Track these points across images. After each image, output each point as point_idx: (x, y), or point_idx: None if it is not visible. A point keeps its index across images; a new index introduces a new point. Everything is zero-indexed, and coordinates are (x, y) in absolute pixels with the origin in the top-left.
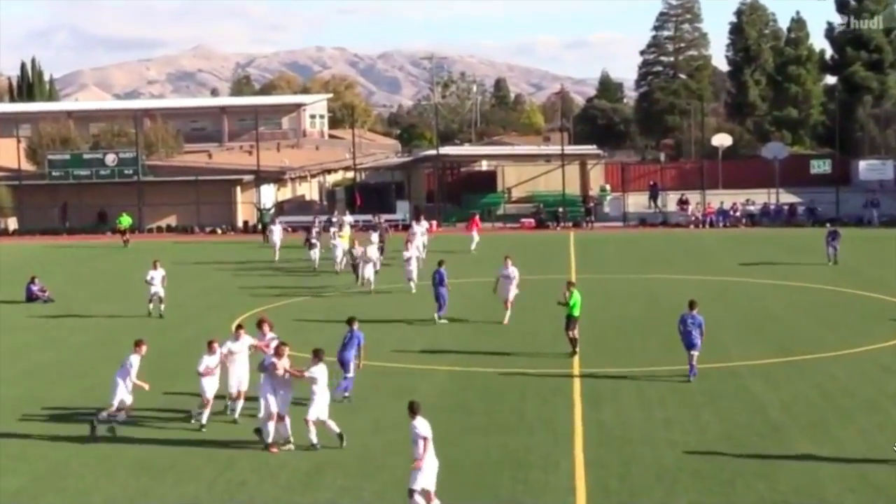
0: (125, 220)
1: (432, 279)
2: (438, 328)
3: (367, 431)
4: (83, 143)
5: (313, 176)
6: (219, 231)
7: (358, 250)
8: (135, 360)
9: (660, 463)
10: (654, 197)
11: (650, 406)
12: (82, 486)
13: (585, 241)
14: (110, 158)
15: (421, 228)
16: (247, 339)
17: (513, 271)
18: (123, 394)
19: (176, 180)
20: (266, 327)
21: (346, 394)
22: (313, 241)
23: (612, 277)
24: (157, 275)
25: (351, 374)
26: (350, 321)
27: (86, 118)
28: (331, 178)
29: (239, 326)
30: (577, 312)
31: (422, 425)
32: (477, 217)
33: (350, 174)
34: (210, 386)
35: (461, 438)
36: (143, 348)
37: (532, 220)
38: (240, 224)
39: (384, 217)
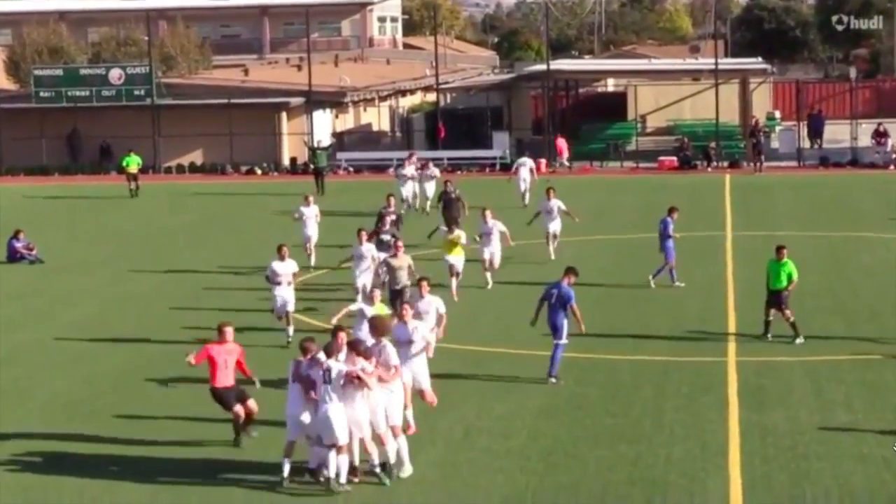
0: (133, 161)
1: (659, 231)
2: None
3: (455, 439)
4: (80, 54)
5: (383, 99)
6: (258, 171)
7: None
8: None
9: (845, 484)
10: (816, 132)
11: (831, 407)
12: None
13: (746, 187)
14: (115, 75)
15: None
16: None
17: (432, 303)
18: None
19: (202, 104)
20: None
21: (553, 375)
22: (384, 235)
23: (781, 236)
24: (309, 212)
25: (563, 342)
26: (568, 272)
27: (83, 21)
28: (406, 102)
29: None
30: (785, 285)
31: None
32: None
33: (431, 97)
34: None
35: (577, 448)
36: (343, 337)
37: (674, 159)
38: (286, 161)
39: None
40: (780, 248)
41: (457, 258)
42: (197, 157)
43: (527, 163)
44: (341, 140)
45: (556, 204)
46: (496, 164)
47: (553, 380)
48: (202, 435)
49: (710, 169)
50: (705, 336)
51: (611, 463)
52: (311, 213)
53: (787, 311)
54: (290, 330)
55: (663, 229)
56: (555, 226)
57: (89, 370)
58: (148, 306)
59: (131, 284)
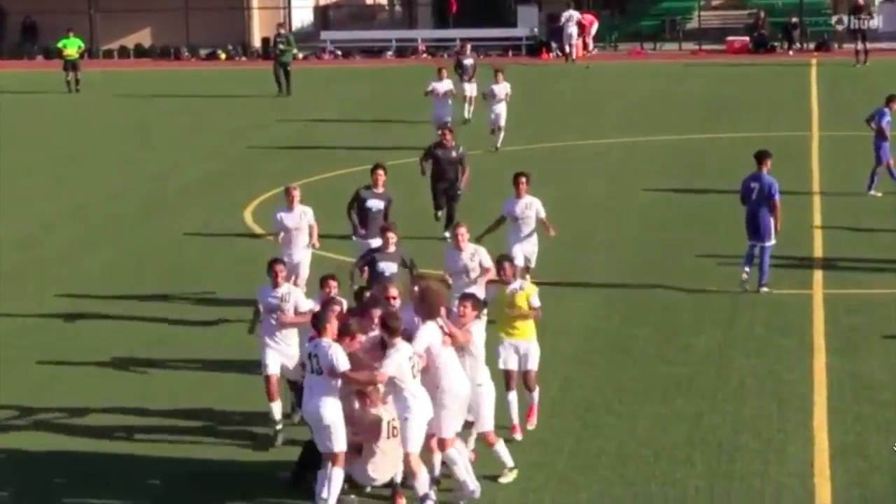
0: (73, 44)
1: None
2: (596, 218)
3: None
4: None
5: None
6: (222, 55)
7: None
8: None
9: None
10: None
11: None
12: None
13: (837, 75)
14: None
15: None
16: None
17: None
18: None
19: None
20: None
21: (764, 283)
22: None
23: None
24: (292, 220)
25: (770, 243)
26: (763, 156)
27: None
28: None
29: None
30: None
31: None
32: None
33: None
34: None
35: (622, 404)
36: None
37: (746, 39)
38: (256, 43)
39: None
40: None
41: (526, 342)
42: (144, 37)
43: (573, 16)
44: (326, 16)
45: (531, 206)
46: (521, 45)
47: (765, 289)
48: (166, 386)
49: (791, 52)
50: (784, 262)
51: (665, 422)
52: (297, 220)
53: None
54: (296, 418)
55: (879, 123)
56: (527, 246)
57: (15, 305)
58: (84, 223)
59: (64, 197)
